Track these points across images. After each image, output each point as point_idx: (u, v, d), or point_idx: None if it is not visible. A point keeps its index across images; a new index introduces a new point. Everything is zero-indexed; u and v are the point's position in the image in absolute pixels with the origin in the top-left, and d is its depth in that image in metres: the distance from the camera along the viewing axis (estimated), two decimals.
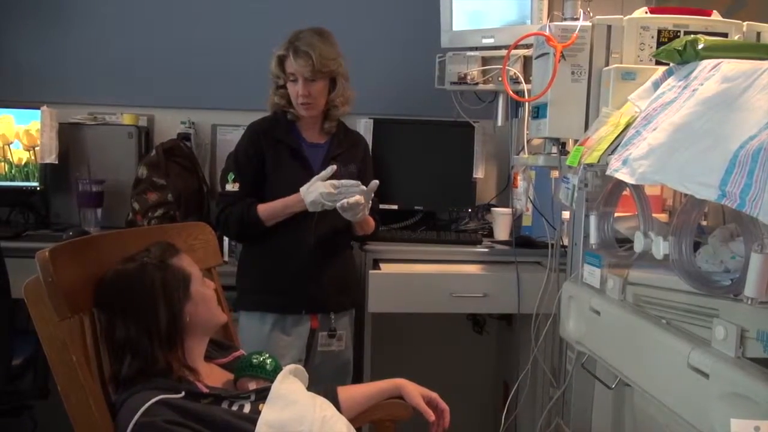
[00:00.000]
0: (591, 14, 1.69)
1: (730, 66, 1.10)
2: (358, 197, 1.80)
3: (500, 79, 2.08)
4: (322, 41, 1.88)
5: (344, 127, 2.05)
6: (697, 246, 1.21)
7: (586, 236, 1.50)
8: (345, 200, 1.79)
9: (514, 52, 1.99)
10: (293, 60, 1.85)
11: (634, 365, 1.22)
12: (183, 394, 1.18)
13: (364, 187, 1.81)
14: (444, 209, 2.58)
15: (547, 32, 1.63)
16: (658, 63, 1.47)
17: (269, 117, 2.00)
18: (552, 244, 2.02)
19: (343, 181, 1.80)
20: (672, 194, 1.83)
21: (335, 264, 1.98)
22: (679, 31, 1.58)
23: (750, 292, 0.94)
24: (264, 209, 1.88)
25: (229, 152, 2.10)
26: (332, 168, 1.81)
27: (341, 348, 2.00)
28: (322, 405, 1.27)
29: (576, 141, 1.61)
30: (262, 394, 1.26)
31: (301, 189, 1.83)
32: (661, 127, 1.14)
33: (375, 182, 1.85)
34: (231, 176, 1.94)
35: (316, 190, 1.80)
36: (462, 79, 2.22)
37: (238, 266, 2.01)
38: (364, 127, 2.45)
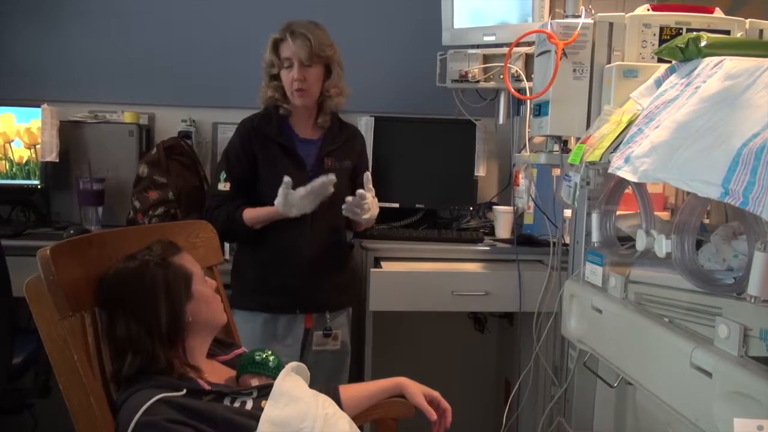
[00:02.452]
0: (593, 11, 1.68)
1: (733, 63, 1.10)
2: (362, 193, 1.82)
3: (502, 76, 2.08)
4: (318, 28, 1.88)
5: (339, 122, 2.03)
6: (699, 244, 1.21)
7: (588, 234, 1.50)
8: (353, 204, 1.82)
9: (515, 49, 1.99)
10: (291, 42, 1.83)
11: (636, 364, 1.22)
12: (184, 391, 1.18)
13: (333, 178, 1.77)
14: (445, 207, 2.59)
15: (548, 30, 1.63)
16: (660, 60, 1.46)
17: (260, 113, 1.98)
18: (554, 243, 2.02)
19: (312, 184, 1.77)
20: (674, 192, 1.83)
21: (331, 263, 1.97)
22: (682, 29, 1.57)
23: (753, 291, 0.94)
24: (249, 216, 1.87)
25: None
26: (287, 181, 1.77)
27: (336, 347, 1.99)
28: (324, 403, 1.27)
29: (578, 139, 1.61)
30: (264, 391, 1.26)
31: (276, 201, 1.80)
32: (664, 124, 1.13)
33: (367, 174, 1.88)
34: (222, 175, 1.93)
35: (292, 200, 1.78)
36: (463, 77, 2.22)
37: (233, 265, 2.00)
38: (365, 124, 2.45)
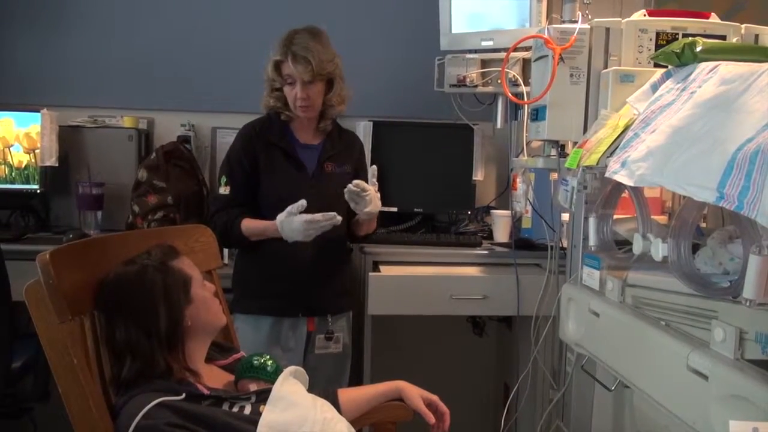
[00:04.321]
0: (589, 17, 1.69)
1: (728, 68, 1.10)
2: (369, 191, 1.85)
3: (499, 81, 2.08)
4: (318, 43, 1.87)
5: (338, 128, 2.04)
6: (695, 248, 1.21)
7: (586, 238, 1.50)
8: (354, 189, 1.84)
9: (513, 54, 2.00)
10: (292, 65, 1.84)
11: (633, 367, 1.22)
12: (183, 395, 1.19)
13: (339, 218, 1.80)
14: (443, 212, 2.59)
15: (545, 35, 1.64)
16: (656, 65, 1.47)
17: (262, 118, 1.99)
18: (551, 246, 2.02)
19: (318, 215, 1.78)
20: (671, 196, 1.83)
21: (333, 266, 1.98)
22: (678, 34, 1.58)
23: (748, 294, 0.94)
24: (246, 227, 1.88)
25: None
26: (302, 204, 1.78)
27: (338, 350, 1.99)
28: (322, 407, 1.27)
29: (575, 143, 1.62)
30: (262, 396, 1.26)
31: (278, 217, 1.81)
32: (660, 129, 1.14)
33: (373, 168, 1.91)
34: (223, 180, 1.94)
35: (290, 226, 1.78)
36: (461, 82, 2.23)
37: (234, 269, 2.00)
38: (363, 129, 2.46)
